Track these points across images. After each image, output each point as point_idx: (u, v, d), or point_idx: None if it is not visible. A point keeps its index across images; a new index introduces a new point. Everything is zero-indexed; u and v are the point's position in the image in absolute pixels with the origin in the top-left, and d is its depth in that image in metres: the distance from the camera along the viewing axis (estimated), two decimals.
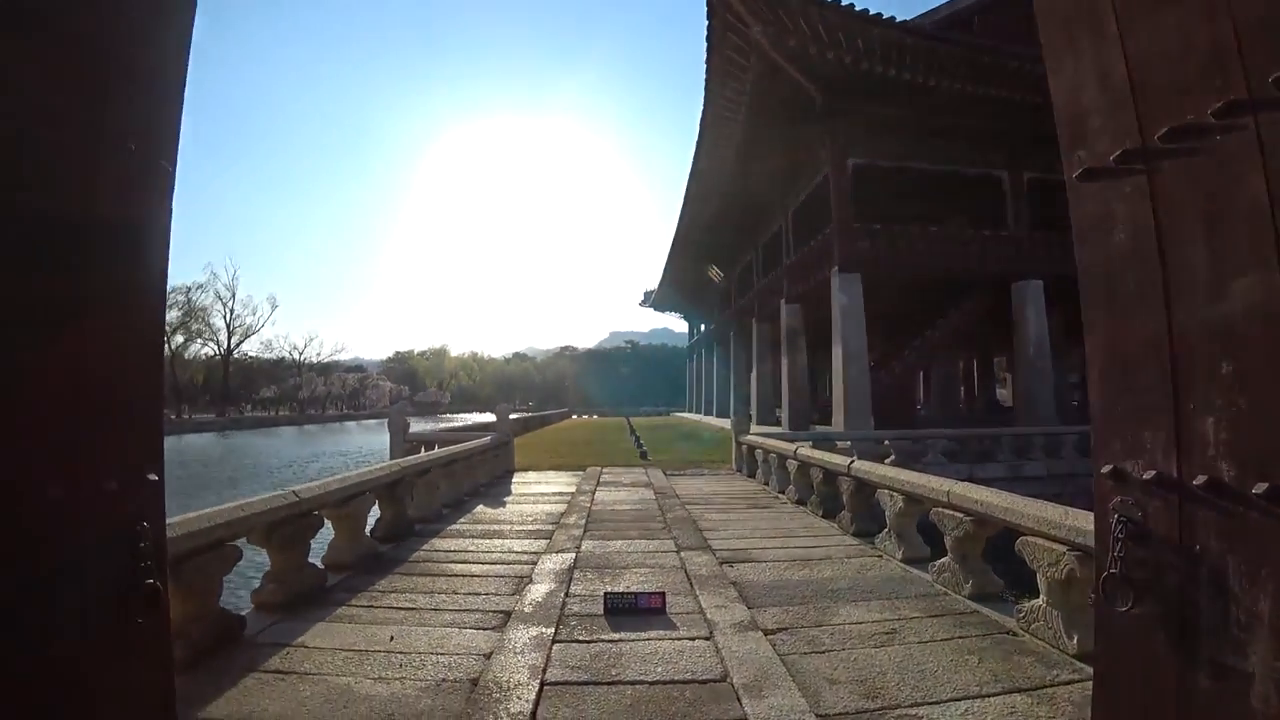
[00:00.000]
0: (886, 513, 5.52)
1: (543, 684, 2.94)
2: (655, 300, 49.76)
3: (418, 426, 17.48)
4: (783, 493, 8.88)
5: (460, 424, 27.33)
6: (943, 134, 16.17)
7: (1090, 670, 2.92)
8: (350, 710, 2.73)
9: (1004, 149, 16.61)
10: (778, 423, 21.08)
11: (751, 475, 11.05)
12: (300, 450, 38.84)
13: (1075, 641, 3.21)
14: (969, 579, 4.26)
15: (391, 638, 3.59)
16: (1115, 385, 1.49)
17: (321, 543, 5.23)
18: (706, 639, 3.49)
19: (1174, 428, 1.32)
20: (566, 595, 4.32)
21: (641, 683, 2.95)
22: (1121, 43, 1.41)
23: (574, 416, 51.98)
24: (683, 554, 5.47)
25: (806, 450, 8.13)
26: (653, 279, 46.15)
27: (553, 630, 3.63)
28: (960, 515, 4.38)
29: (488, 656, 3.28)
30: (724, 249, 29.86)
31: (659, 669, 3.10)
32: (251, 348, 77.25)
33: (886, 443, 12.40)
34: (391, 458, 14.23)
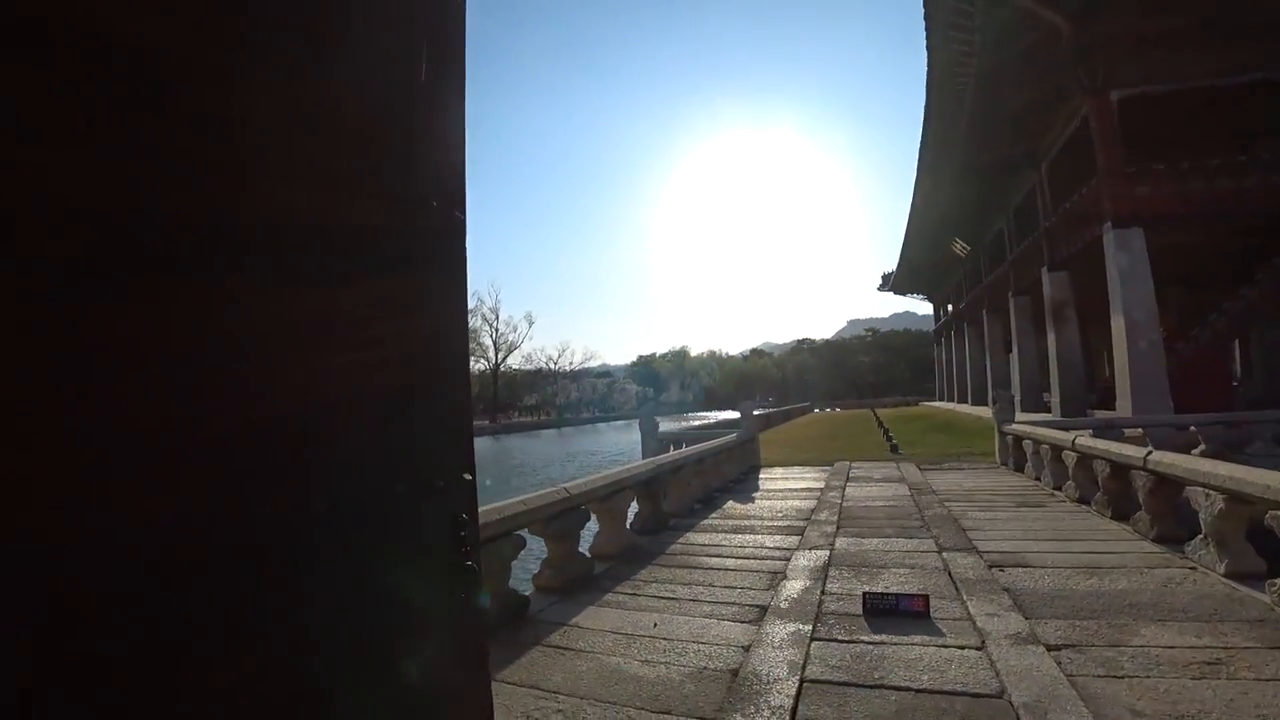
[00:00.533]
0: (1201, 515, 4.67)
1: (802, 680, 3.01)
2: (894, 283, 46.68)
3: (664, 426, 18.46)
4: (1058, 489, 7.89)
5: (704, 422, 28.27)
6: (1236, 34, 12.79)
7: None
8: (621, 689, 3.05)
9: None
10: (1046, 409, 18.66)
11: (1019, 469, 9.96)
12: (557, 450, 43.05)
13: None
14: None
15: (655, 624, 3.92)
16: None
17: (588, 535, 5.88)
18: (978, 649, 3.29)
19: None
20: (823, 593, 4.34)
21: (907, 689, 2.88)
22: None
23: (815, 411, 50.79)
24: (945, 555, 5.17)
25: (1087, 440, 7.14)
26: (890, 261, 43.36)
27: (810, 627, 3.69)
28: None
29: (746, 649, 3.44)
30: (967, 219, 27.07)
31: (925, 676, 3.00)
32: (514, 361, 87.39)
33: (1193, 429, 10.39)
34: (643, 456, 15.26)
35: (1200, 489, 4.67)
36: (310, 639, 1.24)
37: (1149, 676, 2.92)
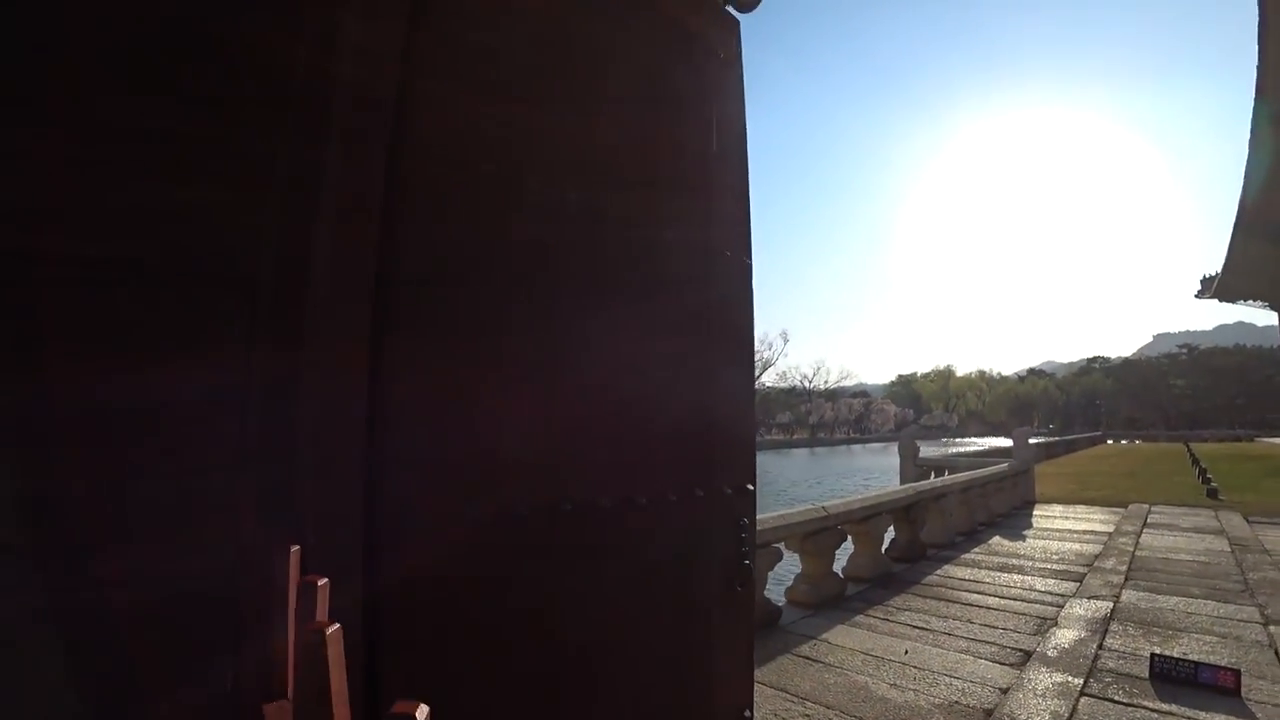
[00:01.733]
0: None
1: None
2: (1218, 287, 37.48)
3: (925, 451, 17.34)
4: None
5: (971, 449, 25.76)
6: None
7: None
8: (867, 706, 3.19)
9: None
10: None
11: None
12: (808, 470, 42.19)
13: None
14: None
15: (906, 651, 3.97)
16: None
17: (842, 556, 5.96)
18: None
19: None
20: (1100, 648, 3.97)
21: None
22: None
23: (1108, 442, 43.15)
24: (1272, 629, 4.33)
25: None
26: (1213, 260, 35.22)
27: (1081, 681, 3.44)
28: None
29: (1004, 691, 3.34)
30: None
31: None
32: (769, 379, 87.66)
33: None
34: (902, 481, 14.59)
35: None
36: (618, 603, 1.69)
37: None
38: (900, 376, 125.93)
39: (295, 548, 0.80)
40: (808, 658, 3.88)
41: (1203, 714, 3.10)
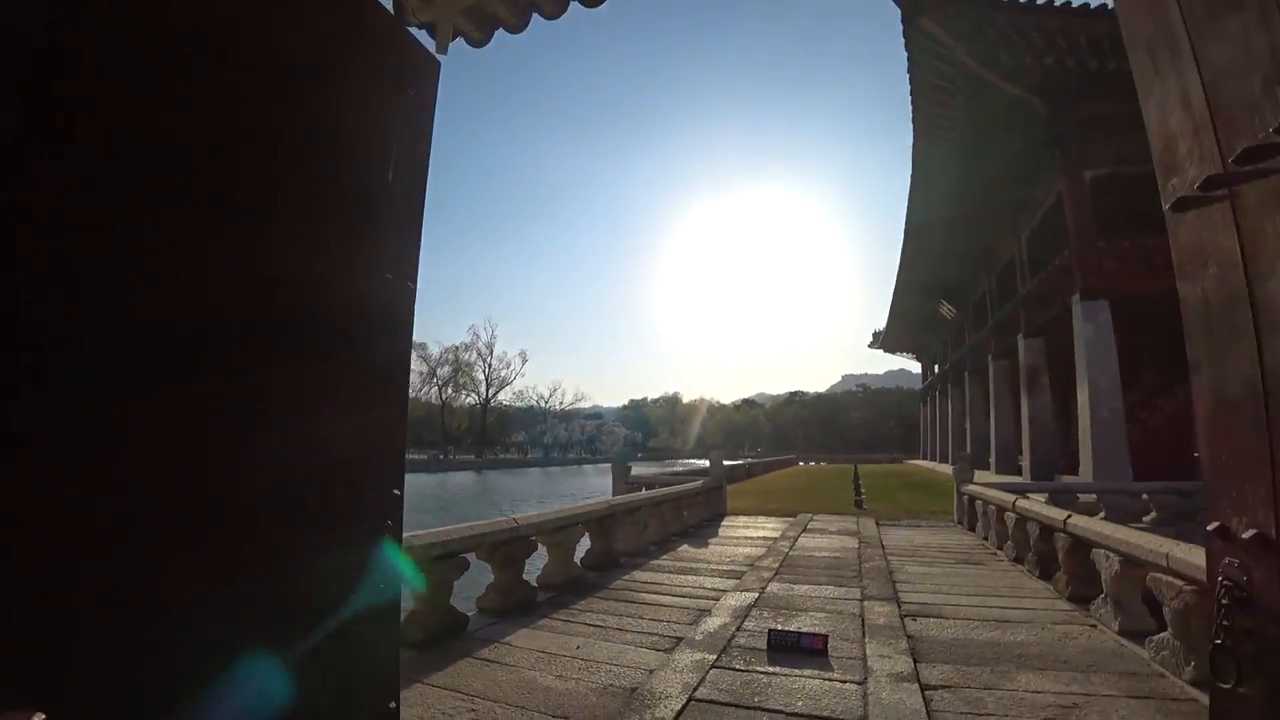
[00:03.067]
0: (1103, 576, 4.94)
1: (690, 699, 3.27)
2: (885, 341, 47.41)
3: (641, 470, 18.65)
4: (1000, 549, 8.13)
5: (682, 469, 28.39)
6: None
7: None
8: (532, 696, 3.34)
9: None
10: (1019, 472, 18.93)
11: (971, 528, 10.21)
12: (538, 488, 42.96)
13: None
14: (1190, 660, 3.66)
15: (578, 647, 4.20)
16: (1219, 431, 1.41)
17: (537, 565, 6.11)
18: (858, 684, 3.54)
19: (1272, 480, 1.19)
20: (738, 629, 4.58)
21: (780, 712, 3.14)
22: (1196, 62, 1.36)
23: (800, 463, 50.82)
24: (865, 603, 5.40)
25: (1024, 503, 7.42)
26: (881, 318, 44.15)
27: (714, 657, 3.94)
28: (1179, 583, 3.86)
29: (651, 671, 3.70)
30: (953, 282, 27.83)
31: (800, 703, 3.25)
32: (505, 397, 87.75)
33: (1145, 496, 10.68)
34: (613, 495, 15.42)
35: (1103, 551, 4.95)
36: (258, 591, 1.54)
37: (1005, 716, 3.17)
38: (632, 401, 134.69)
39: None
40: (486, 659, 3.92)
41: (797, 670, 3.74)
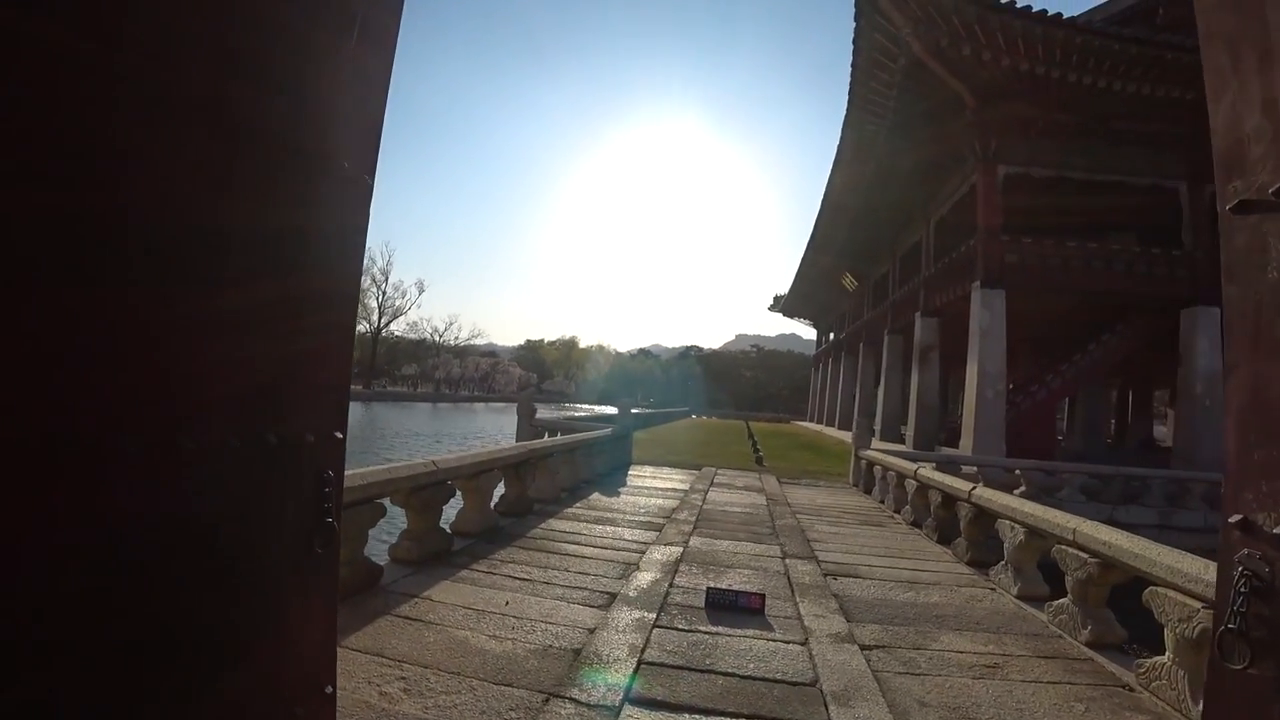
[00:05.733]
0: (1005, 545, 5.29)
1: (640, 662, 3.17)
2: (785, 306, 49.08)
3: (543, 413, 18.38)
4: (898, 512, 8.63)
5: (584, 414, 28.35)
6: (1110, 139, 14.89)
7: None
8: (466, 660, 3.07)
9: (1183, 158, 14.74)
10: (902, 440, 20.23)
11: (867, 491, 10.79)
12: (431, 426, 41.67)
13: (1201, 709, 3.01)
14: (1087, 624, 4.02)
15: (507, 603, 3.96)
16: (1254, 431, 1.43)
17: (449, 512, 5.81)
18: (802, 645, 3.59)
19: None
20: (671, 585, 4.54)
21: (734, 675, 3.11)
22: None
23: (694, 416, 52.18)
24: (787, 561, 5.53)
25: (928, 472, 7.85)
26: (782, 283, 45.68)
27: (654, 615, 3.86)
28: (1084, 556, 4.15)
29: (591, 631, 3.56)
30: (860, 257, 28.96)
31: (751, 665, 3.24)
32: (399, 328, 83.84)
33: (1018, 472, 11.64)
34: (517, 439, 15.15)
35: (1008, 522, 5.28)
36: (169, 571, 1.22)
37: (939, 675, 3.32)
38: (529, 341, 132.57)
39: None
40: (408, 617, 3.60)
41: (740, 630, 3.74)
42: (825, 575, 5.15)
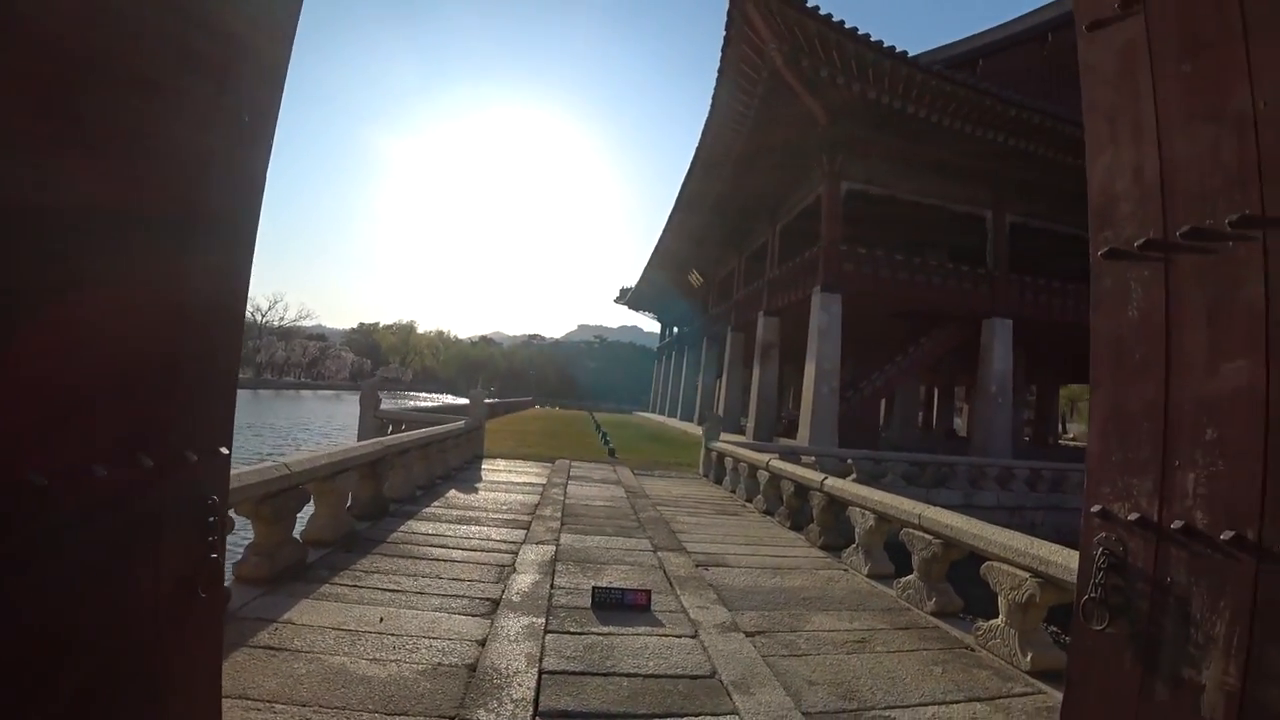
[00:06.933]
0: (856, 529, 5.77)
1: (541, 672, 3.07)
2: (631, 299, 49.95)
3: (387, 404, 17.30)
4: (750, 501, 9.13)
5: (426, 404, 27.09)
6: (937, 169, 16.88)
7: (1041, 685, 3.30)
8: (350, 692, 2.73)
9: (991, 190, 17.42)
10: (742, 431, 21.43)
11: (718, 482, 11.30)
12: (250, 417, 37.67)
13: (1029, 659, 3.51)
14: (932, 596, 4.54)
15: (381, 619, 3.62)
16: (1113, 438, 1.67)
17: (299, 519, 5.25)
18: (693, 637, 3.68)
19: (1159, 479, 1.51)
20: (553, 587, 4.46)
21: (637, 675, 3.11)
22: (1159, 144, 1.57)
23: (537, 407, 51.61)
24: (660, 554, 5.65)
25: (779, 463, 8.38)
26: (627, 276, 46.61)
27: (543, 620, 3.76)
28: (929, 537, 4.65)
29: (482, 643, 3.37)
30: (708, 257, 30.34)
31: (651, 663, 3.26)
32: None
33: (849, 461, 12.76)
34: (360, 435, 14.17)
35: (859, 509, 5.77)
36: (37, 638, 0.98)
37: (819, 654, 3.58)
38: (363, 325, 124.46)
39: None
40: (270, 647, 3.13)
41: (631, 629, 3.76)
42: (697, 566, 5.33)
